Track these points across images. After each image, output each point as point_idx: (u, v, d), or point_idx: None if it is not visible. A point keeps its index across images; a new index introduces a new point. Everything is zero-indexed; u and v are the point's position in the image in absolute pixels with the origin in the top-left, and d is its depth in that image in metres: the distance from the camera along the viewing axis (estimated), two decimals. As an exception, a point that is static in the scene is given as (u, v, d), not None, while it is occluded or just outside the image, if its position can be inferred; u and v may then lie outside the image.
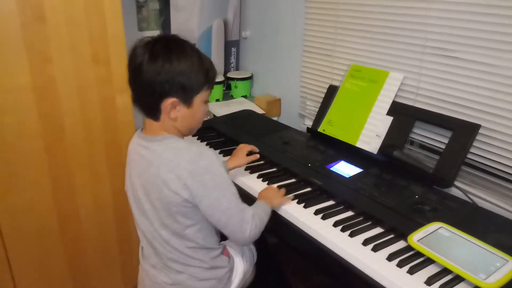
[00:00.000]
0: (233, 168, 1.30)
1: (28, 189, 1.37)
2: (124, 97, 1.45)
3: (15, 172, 1.33)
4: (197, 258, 1.07)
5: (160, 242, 1.06)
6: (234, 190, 1.02)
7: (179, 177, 0.96)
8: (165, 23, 2.03)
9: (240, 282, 1.19)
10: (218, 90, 2.13)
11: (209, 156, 0.99)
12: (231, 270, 1.16)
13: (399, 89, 1.40)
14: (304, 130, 1.68)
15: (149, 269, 1.13)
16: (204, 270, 1.08)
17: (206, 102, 1.05)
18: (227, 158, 1.44)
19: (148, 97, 0.97)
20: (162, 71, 0.94)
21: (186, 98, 0.99)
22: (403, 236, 1.00)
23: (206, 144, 1.57)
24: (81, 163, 1.45)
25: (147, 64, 0.94)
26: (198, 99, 1.01)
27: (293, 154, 1.43)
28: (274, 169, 1.38)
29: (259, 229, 1.05)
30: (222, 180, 0.99)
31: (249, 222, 1.02)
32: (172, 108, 0.98)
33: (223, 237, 1.14)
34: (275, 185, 1.26)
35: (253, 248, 1.32)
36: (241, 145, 1.37)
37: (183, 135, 1.07)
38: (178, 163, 0.96)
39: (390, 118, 1.38)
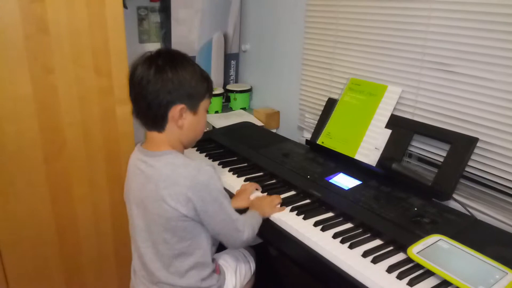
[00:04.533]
0: (235, 208, 1.26)
1: (26, 198, 1.37)
2: (124, 108, 1.46)
3: (14, 181, 1.33)
4: (186, 277, 1.06)
5: (152, 259, 1.06)
6: (229, 202, 1.05)
7: (177, 193, 0.97)
8: (166, 35, 2.06)
9: None
10: (217, 102, 2.14)
11: (208, 172, 1.00)
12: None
13: (397, 103, 1.42)
14: (303, 142, 1.69)
15: (138, 285, 1.13)
16: None
17: (207, 111, 1.09)
18: (226, 169, 1.45)
19: (155, 107, 0.98)
20: (170, 80, 0.97)
21: (193, 105, 1.02)
22: (402, 248, 1.00)
23: (205, 156, 1.58)
24: (81, 173, 1.45)
25: (154, 75, 0.96)
26: (202, 106, 1.05)
27: (292, 166, 1.44)
28: (274, 181, 1.38)
29: (250, 236, 1.09)
30: (219, 194, 1.02)
31: (241, 231, 1.06)
32: (180, 116, 1.00)
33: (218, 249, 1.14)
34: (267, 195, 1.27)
35: (250, 259, 1.32)
36: (246, 186, 1.32)
37: (184, 147, 1.09)
38: (176, 180, 0.98)
39: (389, 131, 1.40)
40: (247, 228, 1.08)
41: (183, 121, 1.02)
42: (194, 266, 1.06)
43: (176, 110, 0.99)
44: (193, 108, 1.03)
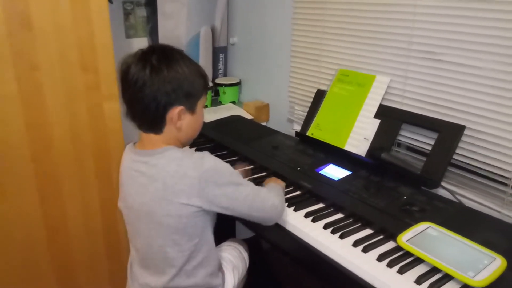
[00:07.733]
0: None
1: (14, 198, 1.35)
2: (112, 104, 1.44)
3: (1, 181, 1.31)
4: (193, 275, 1.03)
5: (157, 265, 1.03)
6: (242, 177, 1.03)
7: (189, 186, 0.94)
8: (153, 30, 2.04)
9: None
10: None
11: (210, 157, 0.99)
12: None
13: (386, 92, 1.42)
14: (293, 134, 1.69)
15: None
16: None
17: (204, 107, 1.06)
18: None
19: (152, 110, 0.95)
20: (167, 80, 0.93)
21: (191, 105, 0.99)
22: (392, 236, 1.01)
23: (195, 150, 1.56)
24: (69, 171, 1.44)
25: (150, 76, 0.92)
26: (200, 104, 1.02)
27: (282, 158, 1.44)
28: (264, 173, 1.38)
29: (280, 201, 1.08)
30: (230, 173, 0.99)
31: (271, 199, 1.04)
32: (179, 118, 0.97)
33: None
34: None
35: (245, 255, 1.32)
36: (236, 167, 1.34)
37: (183, 145, 1.06)
38: (184, 172, 0.94)
39: (378, 121, 1.40)
40: (272, 194, 1.07)
41: (182, 122, 0.99)
42: (201, 262, 1.03)
43: (174, 113, 0.96)
44: (191, 108, 1.00)
